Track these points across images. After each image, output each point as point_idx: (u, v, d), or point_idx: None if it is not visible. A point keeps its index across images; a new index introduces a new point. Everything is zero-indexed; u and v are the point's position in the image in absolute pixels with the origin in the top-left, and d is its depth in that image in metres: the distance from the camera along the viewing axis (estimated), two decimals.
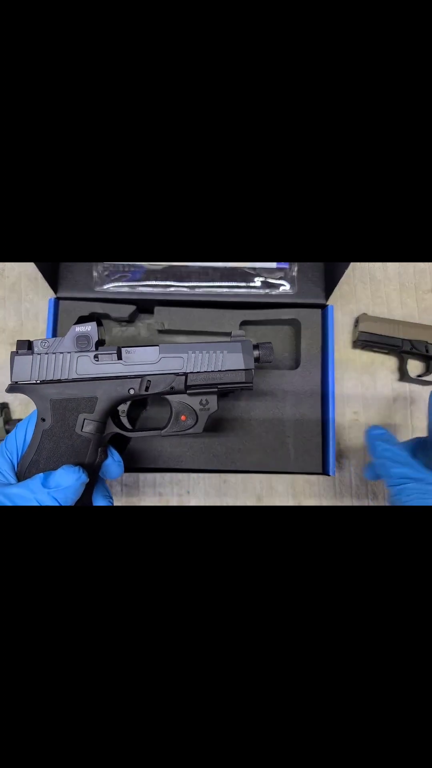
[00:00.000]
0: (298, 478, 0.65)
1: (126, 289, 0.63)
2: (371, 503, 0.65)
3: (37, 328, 0.67)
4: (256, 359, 0.52)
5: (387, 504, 0.65)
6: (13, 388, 0.50)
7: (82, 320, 0.51)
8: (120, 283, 0.63)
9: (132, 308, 0.63)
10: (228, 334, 0.65)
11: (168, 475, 0.64)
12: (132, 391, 0.50)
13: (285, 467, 0.62)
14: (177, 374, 0.50)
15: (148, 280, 0.63)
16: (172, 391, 0.51)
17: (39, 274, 0.60)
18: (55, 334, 0.62)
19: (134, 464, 0.62)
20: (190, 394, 0.51)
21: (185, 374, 0.50)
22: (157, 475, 0.65)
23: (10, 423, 0.64)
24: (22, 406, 0.66)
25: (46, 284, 0.61)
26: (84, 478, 0.46)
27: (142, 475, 0.65)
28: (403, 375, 0.67)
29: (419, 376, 0.68)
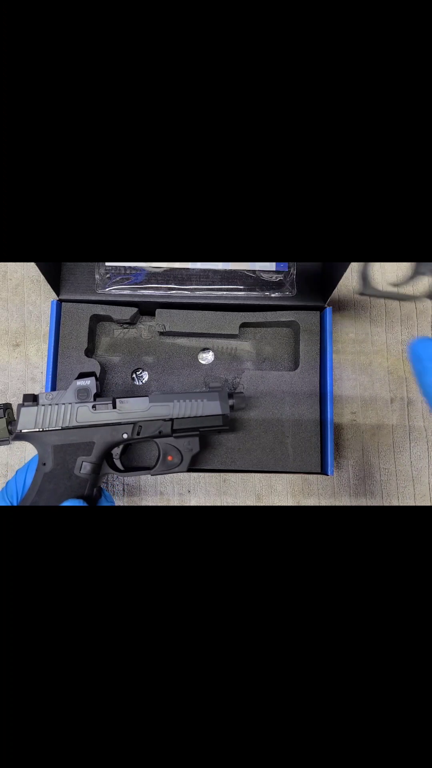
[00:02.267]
0: (296, 477, 0.66)
1: (127, 292, 0.64)
2: (369, 503, 0.66)
3: (40, 330, 0.68)
4: (231, 406, 0.59)
5: (384, 503, 0.66)
6: (18, 436, 0.56)
7: (82, 375, 0.58)
8: (122, 286, 0.64)
9: (134, 310, 0.63)
10: (229, 336, 0.66)
11: (168, 475, 0.65)
12: (125, 436, 0.57)
13: (284, 467, 0.63)
14: (165, 420, 0.57)
15: (150, 282, 0.64)
16: (160, 435, 0.57)
17: (42, 277, 0.61)
18: (57, 337, 0.63)
19: (136, 465, 0.63)
20: (176, 437, 0.58)
21: (172, 420, 0.57)
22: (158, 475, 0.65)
23: (13, 424, 0.65)
24: None
25: (48, 286, 0.62)
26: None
27: (142, 475, 0.65)
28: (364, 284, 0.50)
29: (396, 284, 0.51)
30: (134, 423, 0.57)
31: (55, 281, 0.63)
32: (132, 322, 0.65)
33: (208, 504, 0.65)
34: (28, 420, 0.55)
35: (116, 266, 0.64)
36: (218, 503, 0.65)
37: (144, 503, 0.65)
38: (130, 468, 0.62)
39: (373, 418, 0.67)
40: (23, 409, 0.56)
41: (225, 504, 0.65)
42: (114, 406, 0.56)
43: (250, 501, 0.66)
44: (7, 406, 0.65)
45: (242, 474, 0.65)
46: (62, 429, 0.55)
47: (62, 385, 0.62)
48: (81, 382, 0.57)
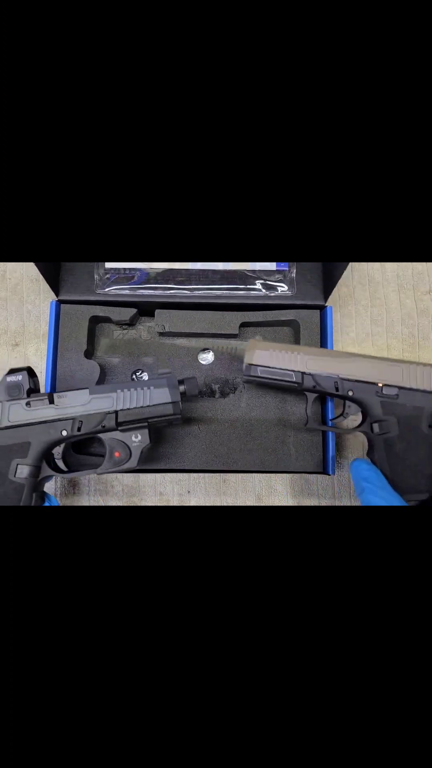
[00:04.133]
0: (297, 477, 0.66)
1: (127, 292, 0.63)
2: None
3: (39, 330, 0.67)
4: (183, 393, 0.54)
5: None
6: None
7: (13, 371, 0.53)
8: (121, 286, 0.64)
9: (133, 311, 0.63)
10: (229, 336, 0.65)
11: (168, 475, 0.65)
12: (65, 433, 0.52)
13: (286, 467, 0.63)
14: (108, 412, 0.53)
15: (149, 283, 0.64)
16: (104, 429, 0.53)
17: (41, 276, 0.60)
18: (56, 337, 0.62)
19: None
20: (122, 431, 0.53)
21: (115, 412, 0.53)
22: (158, 475, 0.65)
23: None
24: None
25: (47, 286, 0.62)
26: None
27: (142, 475, 0.65)
28: (310, 419, 0.57)
29: (333, 420, 0.57)
30: (74, 418, 0.52)
31: (54, 281, 0.62)
32: (131, 323, 0.65)
33: (208, 504, 0.65)
34: None
35: (115, 267, 0.64)
36: (218, 504, 0.65)
37: (144, 503, 0.65)
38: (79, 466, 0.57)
39: None
40: None
41: (225, 504, 0.65)
42: (51, 402, 0.52)
43: (250, 501, 0.65)
44: None
45: (242, 474, 0.65)
46: None
47: (62, 387, 0.62)
48: (11, 378, 0.52)
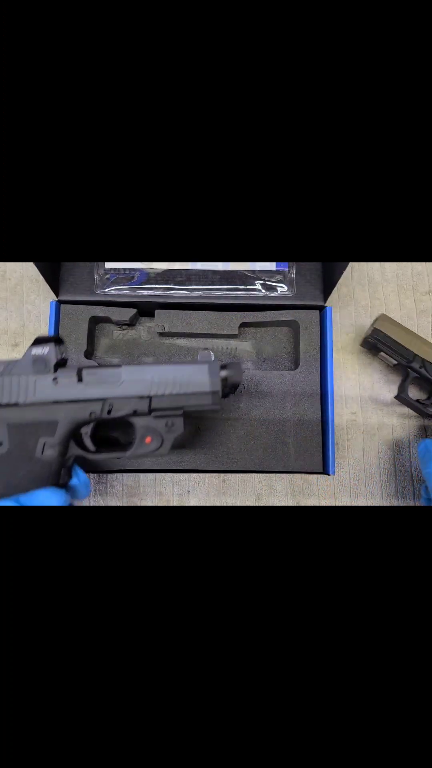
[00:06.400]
0: (297, 477, 0.66)
1: (126, 292, 0.63)
2: (368, 503, 0.66)
3: (39, 330, 0.68)
4: (224, 379, 0.51)
5: (384, 504, 0.65)
6: None
7: (39, 341, 0.48)
8: (121, 286, 0.64)
9: (133, 311, 0.63)
10: (228, 336, 0.65)
11: (168, 475, 0.65)
12: (93, 415, 0.48)
13: (286, 467, 0.63)
14: (141, 397, 0.49)
15: (149, 283, 0.64)
16: (136, 414, 0.49)
17: (41, 276, 0.60)
18: None
19: (135, 466, 0.62)
20: (155, 417, 0.50)
21: (149, 397, 0.49)
22: (158, 475, 0.65)
23: None
24: None
25: (47, 286, 0.62)
26: (68, 502, 0.45)
27: (142, 475, 0.65)
28: (402, 391, 0.64)
29: (419, 401, 0.64)
30: (104, 399, 0.48)
31: (54, 282, 0.62)
32: (131, 324, 0.65)
33: (207, 505, 0.65)
34: None
35: (115, 267, 0.64)
36: (218, 504, 0.65)
37: (143, 503, 0.65)
38: (105, 444, 0.53)
39: (373, 418, 0.67)
40: None
41: (225, 504, 0.65)
42: (80, 379, 0.48)
43: (249, 501, 0.65)
44: None
45: (242, 474, 0.65)
46: (17, 405, 0.47)
47: None
48: (36, 350, 0.48)
